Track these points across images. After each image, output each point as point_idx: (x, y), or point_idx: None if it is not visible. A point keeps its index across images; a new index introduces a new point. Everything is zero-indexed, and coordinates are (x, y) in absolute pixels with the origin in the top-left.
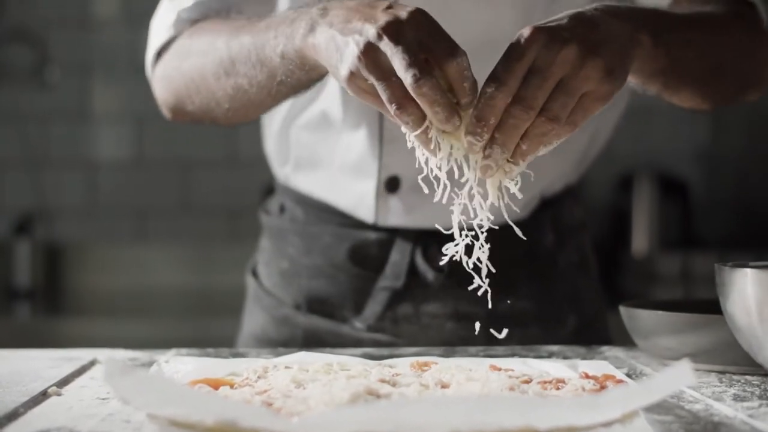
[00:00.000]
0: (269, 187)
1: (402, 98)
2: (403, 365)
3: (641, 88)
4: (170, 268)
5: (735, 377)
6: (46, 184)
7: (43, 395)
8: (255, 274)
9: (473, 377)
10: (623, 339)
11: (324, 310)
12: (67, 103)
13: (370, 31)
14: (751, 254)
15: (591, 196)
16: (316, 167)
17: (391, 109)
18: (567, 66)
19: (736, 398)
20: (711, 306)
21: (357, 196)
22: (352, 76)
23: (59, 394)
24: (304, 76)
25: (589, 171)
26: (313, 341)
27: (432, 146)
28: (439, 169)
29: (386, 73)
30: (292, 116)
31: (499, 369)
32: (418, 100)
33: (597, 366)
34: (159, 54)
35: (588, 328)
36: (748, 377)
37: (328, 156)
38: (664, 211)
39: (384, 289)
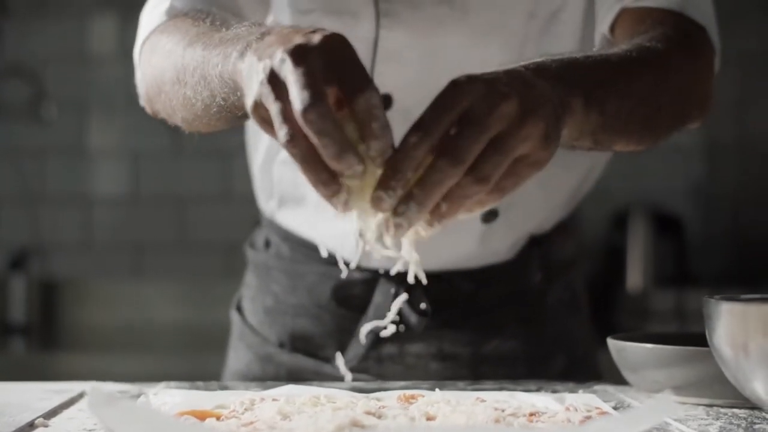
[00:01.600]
0: (256, 220)
1: (294, 127)
2: (390, 398)
3: (569, 146)
4: (166, 304)
5: (722, 410)
6: (42, 219)
7: (30, 426)
8: (240, 309)
9: (459, 409)
10: (615, 376)
11: (308, 349)
12: (64, 138)
13: (277, 56)
14: (745, 291)
15: (585, 232)
16: (299, 205)
17: (280, 137)
18: (505, 122)
19: (723, 431)
20: (700, 339)
21: (339, 237)
22: (256, 105)
23: (46, 426)
24: (238, 102)
25: (583, 208)
26: (296, 380)
27: (335, 197)
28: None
29: (282, 99)
30: (275, 151)
31: (485, 401)
32: (305, 130)
33: (584, 399)
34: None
35: (577, 366)
36: (735, 410)
37: (310, 194)
38: (659, 247)
39: (367, 331)
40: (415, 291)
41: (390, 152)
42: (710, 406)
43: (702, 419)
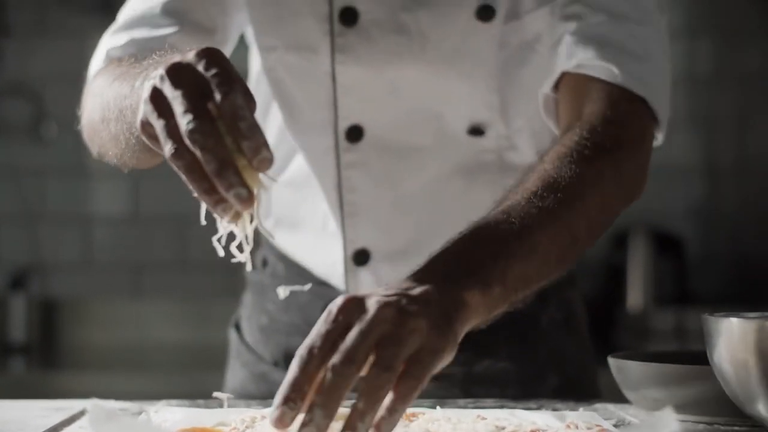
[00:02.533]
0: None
1: (177, 141)
2: None
3: (491, 320)
4: (166, 323)
5: (723, 428)
6: (42, 238)
7: None
8: (238, 328)
9: (460, 427)
10: (616, 395)
11: None
12: (64, 158)
13: (157, 75)
14: (745, 310)
15: (585, 252)
16: (294, 228)
17: (166, 151)
18: (387, 324)
19: None
20: (700, 358)
21: (329, 265)
22: (143, 124)
23: None
24: None
25: None
26: None
27: (219, 206)
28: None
29: (166, 115)
30: (274, 171)
31: (486, 419)
32: (193, 149)
33: (585, 417)
34: None
35: (572, 385)
36: (736, 428)
37: (303, 219)
38: (659, 267)
39: None
40: None
41: (267, 155)
42: (711, 424)
43: None
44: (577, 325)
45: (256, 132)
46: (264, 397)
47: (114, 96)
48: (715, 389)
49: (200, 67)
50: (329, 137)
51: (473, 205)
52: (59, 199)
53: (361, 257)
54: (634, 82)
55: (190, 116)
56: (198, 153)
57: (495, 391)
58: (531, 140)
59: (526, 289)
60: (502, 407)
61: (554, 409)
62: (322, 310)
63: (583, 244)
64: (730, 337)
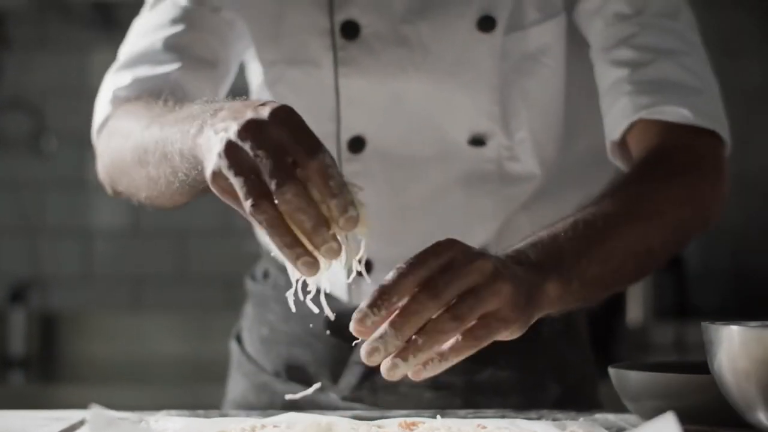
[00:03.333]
0: (256, 253)
1: (258, 196)
2: (391, 425)
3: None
4: (166, 337)
5: None
6: (42, 252)
7: None
8: (239, 339)
9: None
10: (617, 408)
11: (302, 379)
12: (64, 171)
13: (232, 129)
14: None
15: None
16: None
17: (246, 206)
18: (480, 275)
19: None
20: (700, 368)
21: (330, 275)
22: (215, 175)
23: None
24: (199, 176)
25: None
26: (291, 409)
27: (300, 260)
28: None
29: (245, 171)
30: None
31: (486, 428)
32: (282, 209)
33: (585, 426)
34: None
35: (573, 395)
36: None
37: None
38: (659, 281)
39: (357, 363)
40: None
41: (354, 213)
42: None
43: None
44: (578, 335)
45: (345, 190)
46: (265, 407)
47: (155, 140)
48: (715, 398)
49: (278, 126)
50: (331, 148)
51: (474, 215)
52: (59, 212)
53: (365, 267)
54: (702, 117)
55: (280, 177)
56: (290, 215)
57: (497, 400)
58: (533, 151)
59: (599, 291)
60: (502, 417)
61: (554, 419)
62: (324, 320)
63: (657, 258)
64: (731, 345)
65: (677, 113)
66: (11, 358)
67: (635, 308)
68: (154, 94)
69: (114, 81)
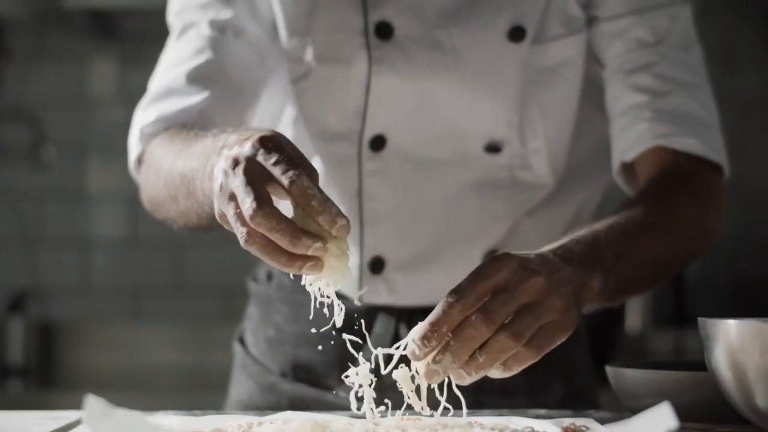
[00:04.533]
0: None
1: (247, 227)
2: (388, 422)
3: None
4: (164, 347)
5: None
6: (41, 262)
7: None
8: (242, 341)
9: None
10: (614, 410)
11: (310, 379)
12: (63, 182)
13: (220, 170)
14: None
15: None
16: None
17: (240, 238)
18: (534, 292)
19: None
20: (697, 366)
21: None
22: (220, 216)
23: None
24: None
25: None
26: (298, 409)
27: (302, 270)
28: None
29: (235, 207)
30: None
31: (481, 423)
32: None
33: (580, 421)
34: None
35: (577, 395)
36: None
37: None
38: (657, 289)
39: (366, 362)
40: (414, 322)
41: (343, 221)
42: (709, 431)
43: None
44: (581, 339)
45: (327, 205)
46: (272, 408)
47: (181, 176)
48: (712, 395)
49: (260, 156)
50: (353, 146)
51: (485, 218)
52: (58, 223)
53: (376, 265)
54: (711, 151)
55: (249, 202)
56: (269, 235)
57: (503, 401)
58: (546, 161)
59: (627, 293)
60: (499, 415)
61: (550, 417)
62: (330, 321)
63: (672, 271)
64: (728, 339)
65: (692, 145)
66: (10, 367)
67: (634, 316)
68: (179, 122)
69: (141, 118)
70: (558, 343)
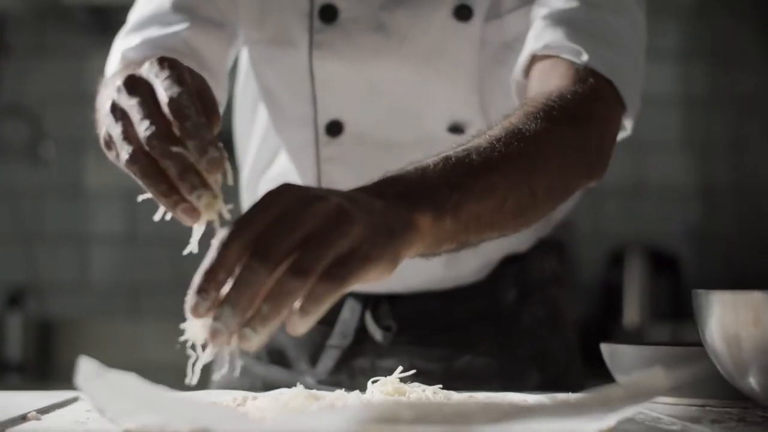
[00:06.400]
0: None
1: (134, 147)
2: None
3: (433, 252)
4: (162, 344)
5: (716, 410)
6: (39, 258)
7: (23, 419)
8: None
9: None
10: None
11: (283, 362)
12: (62, 179)
13: (115, 88)
14: None
15: (582, 271)
16: None
17: (122, 157)
18: (320, 220)
19: (714, 422)
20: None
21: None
22: (105, 137)
23: (38, 419)
24: None
25: (581, 247)
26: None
27: (177, 207)
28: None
29: (124, 126)
30: (260, 168)
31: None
32: (150, 154)
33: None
34: None
35: (554, 384)
36: (728, 409)
37: None
38: (655, 285)
39: (333, 347)
40: (381, 308)
41: (215, 154)
42: (703, 406)
43: (693, 414)
44: (562, 324)
45: (201, 131)
46: (246, 389)
47: (100, 104)
48: (707, 370)
49: (152, 76)
50: (310, 131)
51: None
52: (57, 220)
53: None
54: (602, 65)
55: (146, 123)
56: (158, 158)
57: (476, 387)
58: None
59: (478, 232)
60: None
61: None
62: None
63: (541, 205)
64: (722, 311)
65: (575, 51)
66: (8, 363)
67: (632, 310)
68: (160, 54)
69: (122, 43)
70: (365, 274)
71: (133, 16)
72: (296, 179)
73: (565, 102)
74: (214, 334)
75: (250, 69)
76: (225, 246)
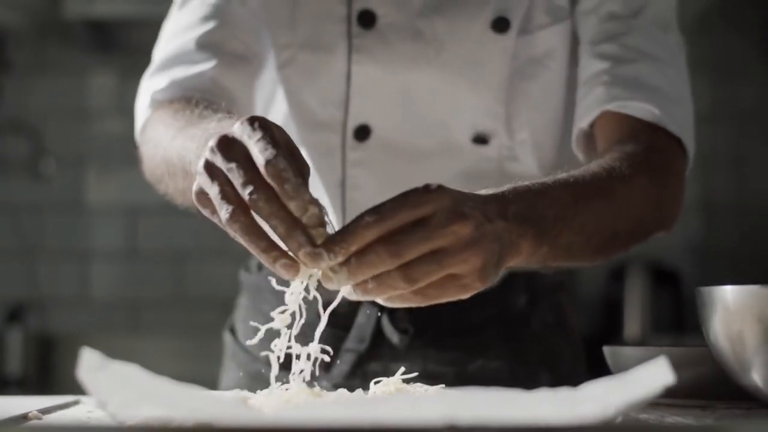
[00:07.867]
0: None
1: (232, 206)
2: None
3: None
4: (163, 359)
5: (720, 411)
6: (40, 274)
7: (24, 418)
8: (233, 331)
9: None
10: None
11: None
12: (62, 194)
13: (207, 148)
14: None
15: (583, 285)
16: None
17: (222, 217)
18: (453, 239)
19: (719, 418)
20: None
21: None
22: (197, 194)
23: (39, 418)
24: None
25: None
26: None
27: (277, 263)
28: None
29: (220, 185)
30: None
31: None
32: (259, 216)
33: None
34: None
35: (563, 383)
36: (733, 411)
37: None
38: (656, 300)
39: (349, 350)
40: (397, 312)
41: (315, 210)
42: (707, 408)
43: (698, 415)
44: (570, 330)
45: (300, 191)
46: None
47: (178, 155)
48: (711, 372)
49: (246, 137)
50: (337, 135)
51: None
52: (57, 235)
53: None
54: (671, 122)
55: (250, 187)
56: (265, 219)
57: None
58: (533, 152)
59: (562, 259)
60: None
61: None
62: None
63: (619, 245)
64: (725, 307)
65: (647, 110)
66: (8, 378)
67: (633, 325)
68: (190, 95)
69: (151, 84)
70: (452, 299)
71: (158, 54)
72: (319, 183)
73: (645, 156)
74: (326, 278)
75: (274, 71)
76: (365, 225)
